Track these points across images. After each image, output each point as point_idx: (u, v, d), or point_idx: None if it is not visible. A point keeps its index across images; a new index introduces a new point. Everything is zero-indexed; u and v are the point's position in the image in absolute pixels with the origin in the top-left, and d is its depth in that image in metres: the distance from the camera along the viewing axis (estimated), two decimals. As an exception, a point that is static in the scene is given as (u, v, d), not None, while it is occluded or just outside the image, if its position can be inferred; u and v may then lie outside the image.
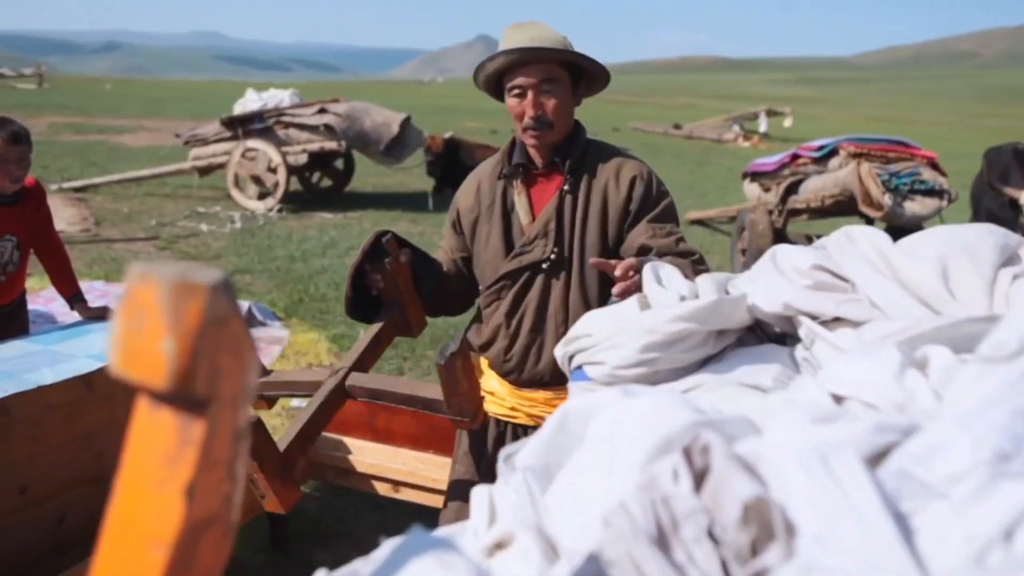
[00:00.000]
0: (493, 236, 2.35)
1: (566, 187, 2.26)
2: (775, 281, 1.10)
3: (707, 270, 1.96)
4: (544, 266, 2.26)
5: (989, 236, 1.06)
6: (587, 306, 2.19)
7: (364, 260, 2.39)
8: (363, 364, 2.41)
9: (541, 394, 2.32)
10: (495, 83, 2.32)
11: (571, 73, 2.24)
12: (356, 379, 2.34)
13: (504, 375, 2.38)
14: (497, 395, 2.39)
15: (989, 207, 7.40)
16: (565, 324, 2.23)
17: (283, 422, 4.41)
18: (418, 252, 2.44)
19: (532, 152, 2.30)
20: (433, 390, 2.20)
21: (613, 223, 2.24)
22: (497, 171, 2.37)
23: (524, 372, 2.33)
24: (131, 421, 0.52)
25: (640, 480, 0.64)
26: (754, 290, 1.12)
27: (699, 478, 0.62)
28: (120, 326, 0.49)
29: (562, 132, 2.25)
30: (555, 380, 2.23)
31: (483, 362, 2.45)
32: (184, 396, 0.49)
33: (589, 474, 0.77)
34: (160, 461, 0.50)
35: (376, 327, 2.46)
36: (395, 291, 2.40)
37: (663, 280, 1.18)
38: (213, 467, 0.51)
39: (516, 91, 2.22)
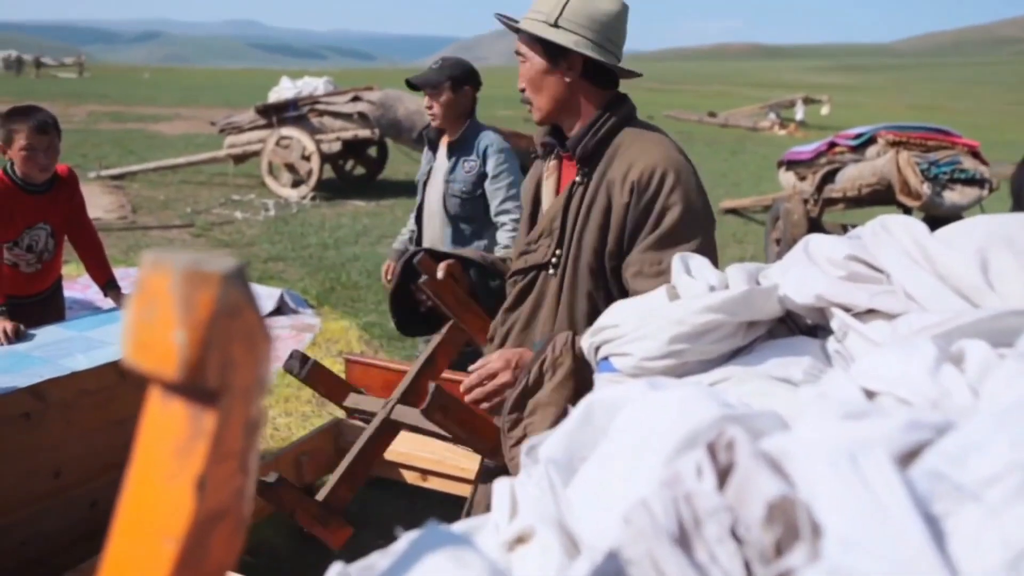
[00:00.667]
0: (523, 220, 2.19)
1: (577, 179, 2.02)
2: (807, 272, 1.07)
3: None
4: (544, 270, 2.04)
5: (1031, 226, 1.02)
6: (572, 323, 1.96)
7: (401, 282, 2.29)
8: (415, 390, 2.36)
9: None
10: None
11: (548, 47, 1.99)
12: (401, 413, 2.32)
13: None
14: None
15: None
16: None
17: (314, 409, 4.44)
18: (468, 260, 2.28)
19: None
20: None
21: (613, 232, 1.95)
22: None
23: None
24: (143, 412, 0.51)
25: (663, 476, 0.62)
26: (786, 281, 1.09)
27: (723, 475, 0.60)
28: (132, 316, 0.49)
29: (541, 112, 2.05)
30: None
31: None
32: (195, 387, 0.48)
33: (613, 468, 0.76)
34: (171, 453, 0.49)
35: (427, 351, 2.41)
36: (447, 307, 2.21)
37: (692, 270, 1.16)
38: (225, 459, 0.50)
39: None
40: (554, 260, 2.01)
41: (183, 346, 0.47)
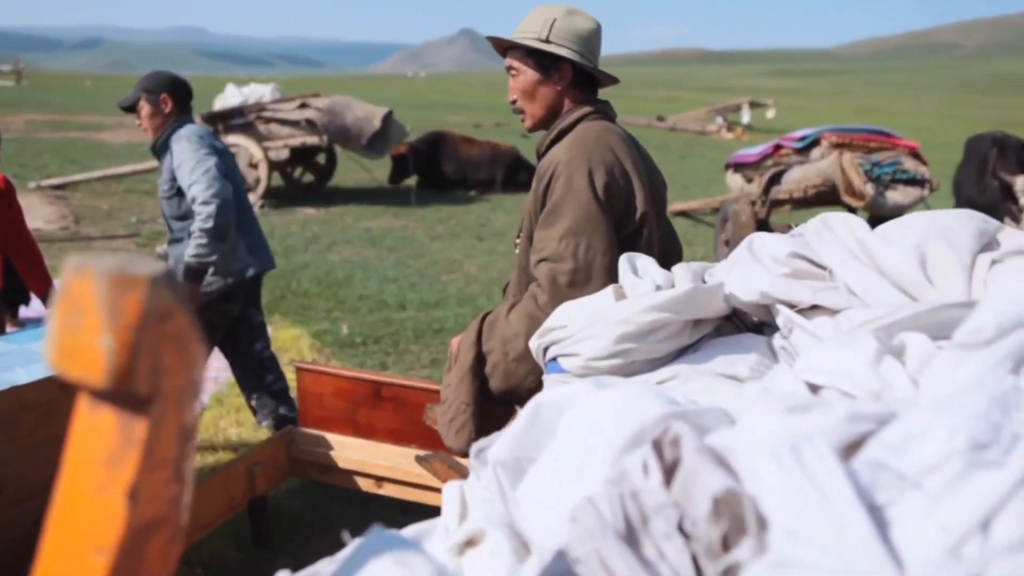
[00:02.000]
0: None
1: (535, 173, 2.27)
2: (752, 270, 1.08)
3: (541, 307, 1.96)
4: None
5: (968, 221, 1.04)
6: (509, 309, 2.18)
7: None
8: None
9: None
10: None
11: (539, 60, 2.26)
12: None
13: None
14: None
15: (970, 195, 7.44)
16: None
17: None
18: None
19: None
20: None
21: (528, 218, 2.25)
22: None
23: None
24: (71, 422, 0.49)
25: (609, 474, 0.62)
26: (731, 279, 1.10)
27: (670, 471, 0.60)
28: (57, 322, 0.47)
29: (534, 119, 2.30)
30: None
31: None
32: (125, 394, 0.47)
33: (561, 468, 0.75)
34: (101, 463, 0.47)
35: None
36: None
37: (638, 269, 1.16)
38: (158, 468, 0.48)
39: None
40: (517, 240, 2.32)
41: (110, 352, 0.45)
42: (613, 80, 2.39)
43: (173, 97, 3.68)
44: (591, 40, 2.30)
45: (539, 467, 0.80)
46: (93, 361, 0.45)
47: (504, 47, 2.32)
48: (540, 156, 2.30)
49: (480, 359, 2.12)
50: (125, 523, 0.47)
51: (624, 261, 1.20)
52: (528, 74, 2.27)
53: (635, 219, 2.13)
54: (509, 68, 2.29)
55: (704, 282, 1.12)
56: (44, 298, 3.45)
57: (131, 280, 0.45)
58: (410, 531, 0.86)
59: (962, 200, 7.41)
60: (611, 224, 2.04)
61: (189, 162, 3.50)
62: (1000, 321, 0.63)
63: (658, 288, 1.09)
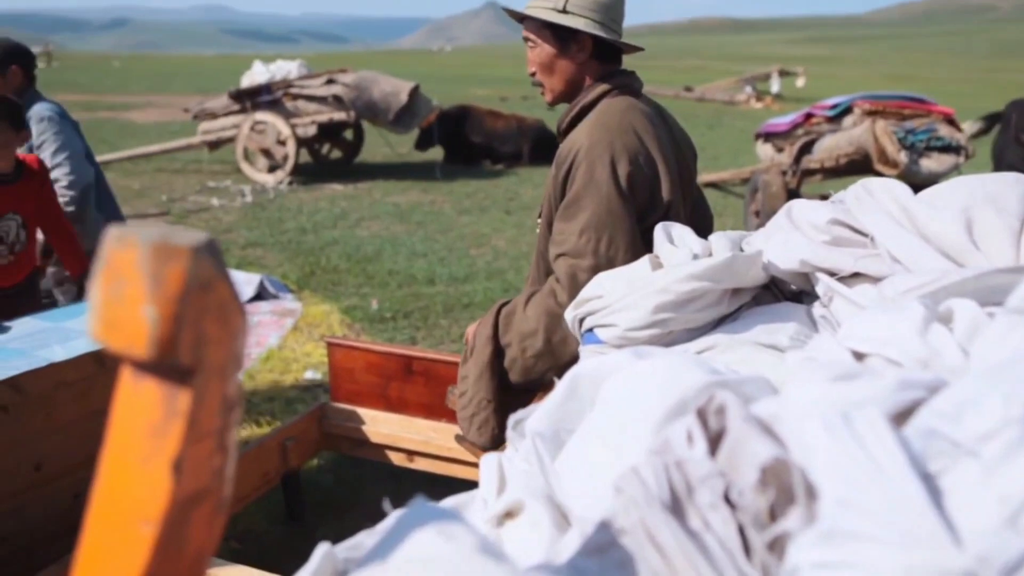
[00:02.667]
0: None
1: (555, 157, 2.15)
2: (791, 237, 1.06)
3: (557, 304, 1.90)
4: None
5: (1016, 185, 1.01)
6: (540, 274, 2.21)
7: None
8: None
9: None
10: None
11: (557, 31, 2.13)
12: None
13: None
14: None
15: (1012, 161, 7.30)
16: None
17: (298, 394, 4.42)
18: None
19: None
20: None
21: (548, 202, 2.17)
22: None
23: None
24: (115, 393, 0.49)
25: (653, 444, 0.61)
26: (770, 247, 1.08)
27: (715, 441, 0.59)
28: (99, 293, 0.47)
29: (554, 93, 2.20)
30: None
31: None
32: (168, 365, 0.46)
33: (601, 439, 0.75)
34: (145, 434, 0.47)
35: None
36: None
37: (675, 238, 1.14)
38: (201, 439, 0.48)
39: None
40: (539, 221, 2.25)
41: (154, 322, 0.45)
42: (636, 49, 2.27)
43: (23, 68, 3.63)
44: (613, 7, 2.15)
45: (578, 438, 0.79)
46: (136, 332, 0.45)
47: (520, 18, 2.22)
48: (561, 134, 2.21)
49: (498, 353, 2.07)
50: (170, 494, 0.47)
51: (660, 230, 1.18)
52: (545, 47, 2.15)
53: (660, 207, 2.01)
54: (526, 39, 2.19)
55: (742, 250, 1.11)
56: (80, 277, 3.50)
57: (174, 250, 0.45)
58: (448, 503, 0.86)
59: (1004, 166, 7.27)
60: (634, 216, 1.95)
61: (52, 143, 3.48)
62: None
63: (695, 257, 1.07)
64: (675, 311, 1.00)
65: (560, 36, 2.12)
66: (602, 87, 2.15)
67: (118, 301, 0.46)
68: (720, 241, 1.10)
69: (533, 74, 2.20)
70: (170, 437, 0.47)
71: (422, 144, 12.74)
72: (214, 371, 0.48)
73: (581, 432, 0.79)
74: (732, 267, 1.01)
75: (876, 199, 1.06)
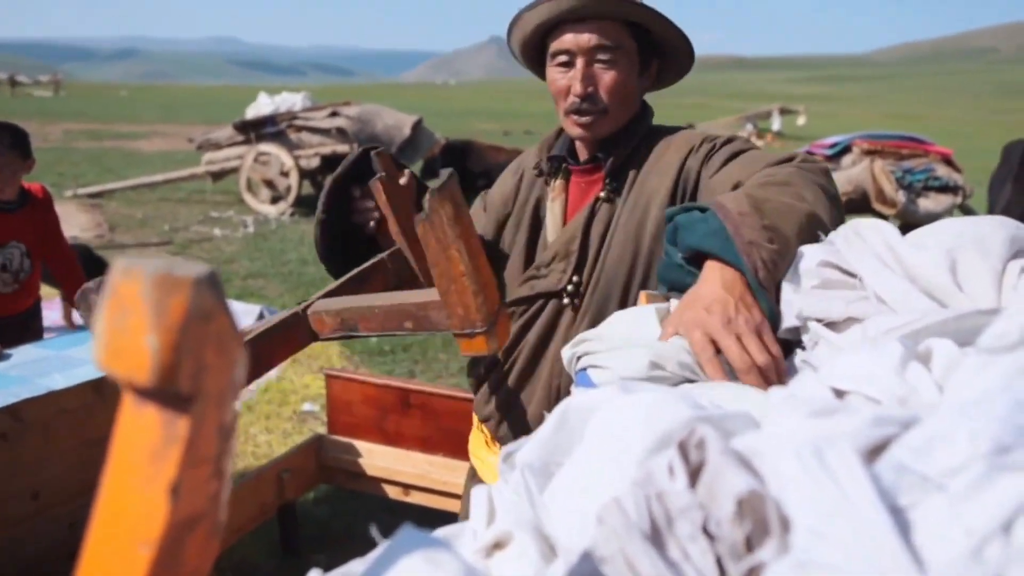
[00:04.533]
0: (517, 246, 1.81)
1: (602, 194, 1.68)
2: (787, 297, 1.09)
3: (818, 168, 1.35)
4: (557, 299, 1.70)
5: (1001, 228, 1.04)
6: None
7: (345, 181, 1.79)
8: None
9: None
10: (536, 46, 1.73)
11: (640, 44, 1.65)
12: (320, 305, 1.62)
13: (482, 419, 1.90)
14: (480, 455, 1.96)
15: (1007, 202, 7.36)
16: (561, 375, 1.68)
17: (295, 426, 4.42)
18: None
19: (578, 144, 1.75)
20: (424, 296, 1.48)
21: (653, 237, 1.62)
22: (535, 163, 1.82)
23: (501, 423, 1.81)
24: (118, 419, 0.51)
25: (636, 476, 0.63)
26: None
27: (695, 473, 0.61)
28: (104, 322, 0.49)
29: (619, 122, 1.68)
30: None
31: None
32: (168, 392, 0.49)
33: (588, 471, 0.77)
34: (145, 458, 0.49)
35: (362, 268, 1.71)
36: (396, 225, 1.69)
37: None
38: (199, 464, 0.50)
39: (562, 58, 1.64)
40: (570, 288, 1.68)
41: (156, 351, 0.47)
42: (672, 81, 1.82)
43: None
44: None
45: (566, 470, 0.81)
46: (139, 360, 0.47)
47: (601, 13, 1.59)
48: (615, 173, 1.68)
49: None
50: (167, 517, 0.49)
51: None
52: (631, 63, 1.64)
53: None
54: (599, 50, 1.60)
55: None
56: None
57: (176, 282, 0.47)
58: (439, 533, 0.87)
59: (997, 207, 7.35)
60: None
61: None
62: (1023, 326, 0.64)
63: None
64: (670, 370, 1.03)
65: (644, 51, 1.67)
66: (649, 119, 1.76)
67: (122, 330, 0.48)
68: None
69: (588, 95, 1.62)
70: (168, 462, 0.49)
71: (426, 175, 12.84)
72: (212, 399, 0.50)
73: (569, 465, 0.80)
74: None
75: (865, 240, 1.09)
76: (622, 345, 1.08)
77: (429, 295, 1.39)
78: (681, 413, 0.69)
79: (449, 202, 1.31)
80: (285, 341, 1.59)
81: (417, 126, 11.60)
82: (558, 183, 1.75)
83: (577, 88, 1.61)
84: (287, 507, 3.33)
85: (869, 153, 8.04)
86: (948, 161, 8.01)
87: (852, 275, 1.09)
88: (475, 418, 1.96)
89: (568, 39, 1.61)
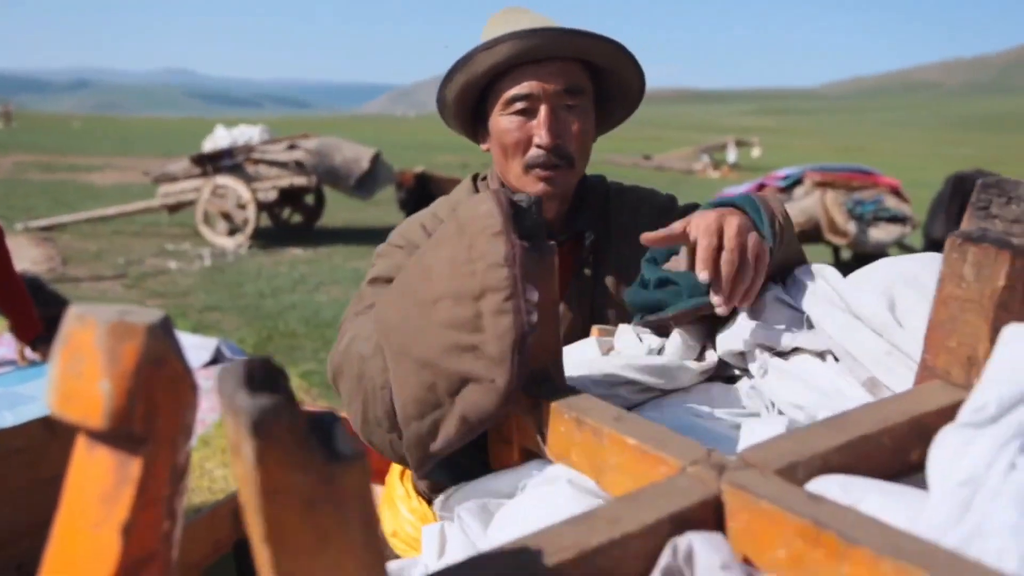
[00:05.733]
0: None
1: (587, 271, 1.53)
2: (741, 322, 1.12)
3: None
4: None
5: (931, 264, 1.09)
6: None
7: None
8: None
9: None
10: (476, 96, 1.51)
11: (599, 91, 1.51)
12: None
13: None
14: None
15: (939, 234, 7.61)
16: None
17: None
18: None
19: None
20: None
21: None
22: None
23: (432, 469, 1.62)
24: (70, 462, 0.52)
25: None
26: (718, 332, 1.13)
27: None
28: (58, 368, 0.50)
29: (579, 175, 1.53)
30: None
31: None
32: (121, 435, 0.50)
33: (525, 508, 0.79)
34: (97, 500, 0.51)
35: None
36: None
37: (641, 334, 1.20)
38: (150, 505, 0.51)
39: (519, 104, 1.44)
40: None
41: (108, 395, 0.49)
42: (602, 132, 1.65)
43: None
44: None
45: (507, 510, 0.83)
46: (92, 404, 0.49)
47: (562, 54, 1.42)
48: (593, 244, 1.54)
49: None
50: (119, 557, 0.50)
51: (627, 327, 1.21)
52: (591, 109, 1.49)
53: None
54: (565, 94, 1.43)
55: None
56: (32, 344, 3.45)
57: (129, 329, 0.49)
58: (392, 567, 0.89)
59: (929, 240, 7.59)
60: None
61: None
62: (1001, 398, 0.66)
63: (650, 351, 1.13)
64: (612, 392, 1.06)
65: (597, 96, 1.51)
66: (599, 177, 1.65)
67: (75, 376, 0.49)
68: (675, 341, 1.15)
69: (557, 146, 1.44)
70: (121, 503, 0.50)
71: (404, 206, 12.74)
72: (165, 441, 0.52)
73: (507, 508, 0.83)
74: (666, 372, 1.08)
75: (811, 282, 1.13)
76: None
77: None
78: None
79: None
80: None
81: (376, 159, 11.61)
82: None
83: (544, 138, 1.41)
84: (243, 543, 3.29)
85: (821, 185, 8.22)
86: (896, 192, 8.22)
87: (799, 311, 1.13)
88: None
89: (530, 83, 1.41)
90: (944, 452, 0.68)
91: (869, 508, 0.64)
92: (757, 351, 1.09)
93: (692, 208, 1.53)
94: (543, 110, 1.42)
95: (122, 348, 0.49)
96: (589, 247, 1.52)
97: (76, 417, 0.50)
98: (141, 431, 0.50)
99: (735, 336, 1.11)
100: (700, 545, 0.58)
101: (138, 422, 0.50)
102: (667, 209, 1.57)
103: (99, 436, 0.50)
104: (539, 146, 1.43)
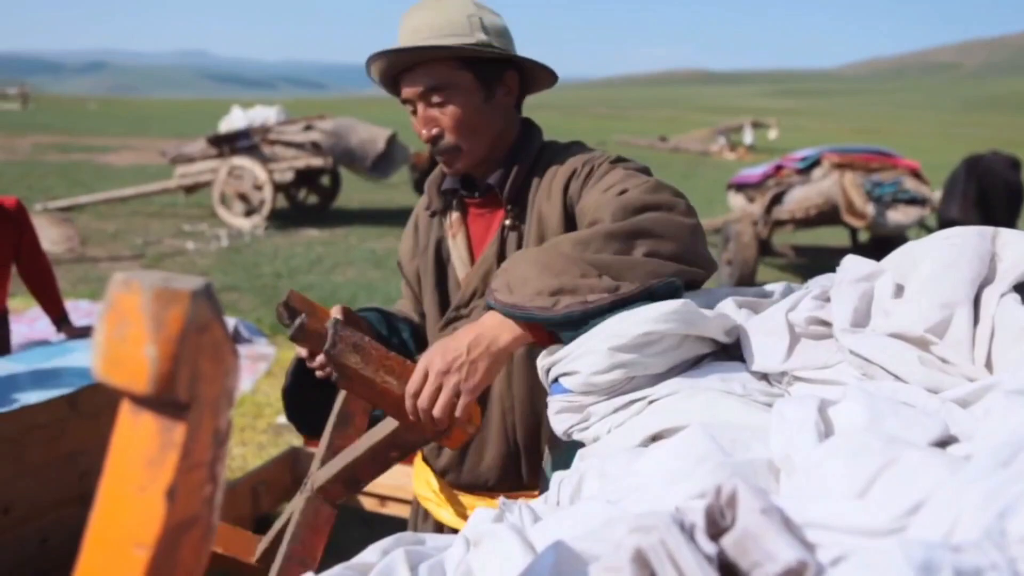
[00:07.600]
0: (427, 292, 1.78)
1: (507, 222, 1.65)
2: (768, 342, 1.07)
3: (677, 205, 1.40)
4: None
5: (962, 252, 1.02)
6: (533, 383, 1.63)
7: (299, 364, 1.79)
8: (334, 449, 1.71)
9: (483, 501, 1.73)
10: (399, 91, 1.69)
11: (482, 71, 1.61)
12: (319, 479, 1.63)
13: (439, 473, 1.83)
14: (431, 499, 1.87)
15: (954, 216, 7.54)
16: (514, 411, 1.68)
17: (270, 439, 4.41)
18: (379, 315, 1.84)
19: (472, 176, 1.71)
20: (390, 425, 1.40)
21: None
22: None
23: (462, 472, 1.76)
24: (115, 427, 0.53)
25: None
26: (756, 343, 1.08)
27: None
28: (103, 333, 0.51)
29: (480, 150, 1.64)
30: (500, 484, 1.72)
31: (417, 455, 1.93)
32: (165, 400, 0.51)
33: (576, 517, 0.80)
34: (142, 464, 0.51)
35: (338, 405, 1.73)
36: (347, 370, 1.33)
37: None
38: (194, 469, 0.52)
39: (408, 106, 1.64)
40: (463, 312, 1.68)
41: (154, 361, 0.49)
42: (551, 82, 1.73)
43: None
44: (511, 39, 1.67)
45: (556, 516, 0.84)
46: (137, 370, 0.49)
47: (424, 59, 1.57)
48: (515, 198, 1.65)
49: None
50: (164, 520, 0.51)
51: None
52: (468, 96, 1.59)
53: None
54: (430, 92, 1.58)
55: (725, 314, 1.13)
56: (57, 322, 3.49)
57: (174, 294, 0.49)
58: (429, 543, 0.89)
59: (943, 222, 7.54)
60: None
61: None
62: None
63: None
64: (632, 353, 1.04)
65: (484, 77, 1.61)
66: (538, 137, 1.71)
67: (121, 341, 0.50)
68: (695, 299, 1.13)
69: (436, 138, 1.62)
70: (165, 467, 0.51)
71: (416, 186, 12.85)
72: (207, 406, 0.52)
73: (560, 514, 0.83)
74: (683, 314, 1.05)
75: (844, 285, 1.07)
76: (582, 346, 1.09)
77: (391, 423, 1.38)
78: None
79: (350, 352, 1.28)
80: (317, 532, 1.64)
81: (392, 140, 11.60)
82: (455, 217, 1.73)
83: (422, 132, 1.63)
84: (263, 520, 3.32)
85: (839, 166, 8.13)
86: (916, 174, 8.13)
87: (827, 324, 1.06)
88: (418, 459, 1.92)
89: (405, 90, 1.61)
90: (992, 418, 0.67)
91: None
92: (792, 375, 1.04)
93: (599, 165, 1.56)
94: (420, 109, 1.61)
95: (167, 314, 0.49)
96: (506, 199, 1.65)
97: (122, 382, 0.50)
98: (185, 396, 0.51)
99: (770, 359, 1.06)
100: (744, 490, 0.59)
101: (182, 387, 0.50)
102: (574, 172, 1.59)
103: (144, 401, 0.51)
104: (424, 140, 1.64)
